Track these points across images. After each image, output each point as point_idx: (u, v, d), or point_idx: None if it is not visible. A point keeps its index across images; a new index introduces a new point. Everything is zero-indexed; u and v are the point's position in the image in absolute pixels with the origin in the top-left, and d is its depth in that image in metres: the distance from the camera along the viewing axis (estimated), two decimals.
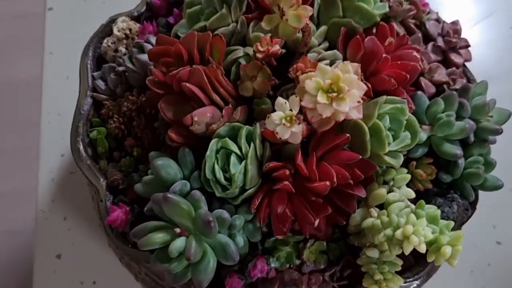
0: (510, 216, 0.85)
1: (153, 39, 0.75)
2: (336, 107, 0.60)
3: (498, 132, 0.71)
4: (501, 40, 1.12)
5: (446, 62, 0.78)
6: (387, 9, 0.72)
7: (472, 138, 0.72)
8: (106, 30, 0.80)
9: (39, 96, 0.99)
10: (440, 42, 0.77)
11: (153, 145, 0.73)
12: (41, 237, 0.90)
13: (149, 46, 0.74)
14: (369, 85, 0.65)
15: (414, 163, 0.71)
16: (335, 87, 0.60)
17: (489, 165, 0.72)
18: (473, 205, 0.74)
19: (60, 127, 0.96)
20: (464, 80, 0.77)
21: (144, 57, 0.73)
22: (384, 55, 0.67)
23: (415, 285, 0.72)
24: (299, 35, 0.67)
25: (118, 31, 0.78)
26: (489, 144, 0.73)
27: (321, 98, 0.60)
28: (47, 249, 0.90)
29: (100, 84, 0.77)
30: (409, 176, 0.69)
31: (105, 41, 0.79)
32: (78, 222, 0.91)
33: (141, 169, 0.72)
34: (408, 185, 0.70)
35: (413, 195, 0.69)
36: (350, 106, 0.60)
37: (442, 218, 0.67)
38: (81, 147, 0.74)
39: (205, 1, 0.72)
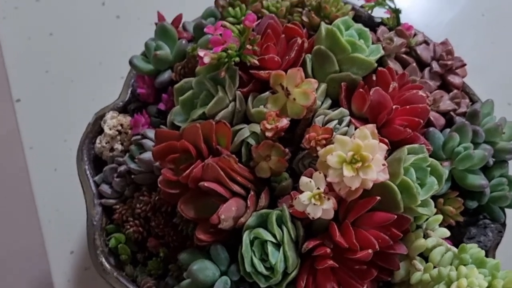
0: None
1: (150, 133, 0.72)
2: (363, 176, 0.58)
3: None
4: None
5: (445, 85, 0.77)
6: (382, 52, 0.70)
7: (491, 162, 0.71)
8: (95, 128, 0.77)
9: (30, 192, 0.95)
10: (436, 67, 0.76)
11: (178, 241, 0.71)
12: None
13: (148, 142, 0.72)
14: (386, 141, 0.64)
15: (442, 200, 0.70)
16: (358, 157, 0.59)
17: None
18: (504, 224, 0.74)
19: (62, 224, 0.93)
20: (467, 100, 0.76)
21: (147, 155, 0.70)
22: (394, 107, 0.65)
23: None
24: None
25: (110, 129, 0.75)
26: (508, 162, 0.73)
27: (347, 172, 0.58)
28: None
29: (105, 188, 0.74)
30: (441, 217, 0.68)
31: (97, 141, 0.76)
32: None
33: (172, 268, 0.70)
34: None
35: (448, 233, 0.69)
36: (377, 171, 0.59)
37: (480, 247, 0.67)
38: (103, 259, 0.71)
39: (196, 85, 0.69)
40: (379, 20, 0.81)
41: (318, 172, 0.61)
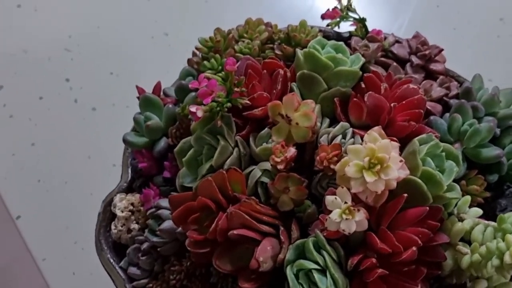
0: None
1: (163, 202, 0.72)
2: (385, 177, 0.58)
3: None
4: None
5: (429, 74, 0.78)
6: (363, 59, 0.71)
7: (498, 132, 0.72)
8: (106, 216, 0.76)
9: None
10: (416, 60, 0.77)
11: None
12: None
13: (164, 212, 0.71)
14: (395, 139, 0.64)
15: (464, 182, 0.70)
16: (375, 160, 0.59)
17: None
18: None
19: None
20: (454, 82, 0.77)
21: (167, 224, 0.69)
22: (392, 104, 0.66)
23: None
24: None
25: (122, 211, 0.74)
26: None
27: (369, 177, 0.58)
28: None
29: (134, 271, 0.72)
30: (469, 198, 0.68)
31: (112, 227, 0.75)
32: None
33: None
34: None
35: (480, 212, 0.68)
36: (396, 169, 0.59)
37: None
38: None
39: (195, 142, 0.69)
40: (347, 35, 0.83)
41: (341, 187, 0.60)
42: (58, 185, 1.03)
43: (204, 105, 0.66)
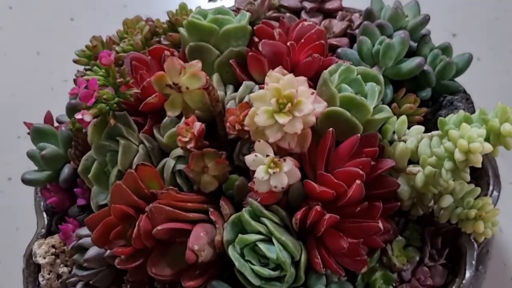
0: None
1: (83, 231, 0.63)
2: (300, 114, 0.51)
3: (426, 19, 0.67)
4: None
5: (328, 15, 0.73)
6: (248, 14, 0.65)
7: (413, 44, 0.66)
8: (31, 269, 0.67)
9: None
10: (309, 5, 0.72)
11: None
12: None
13: (86, 240, 0.62)
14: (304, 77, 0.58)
15: (395, 104, 0.64)
16: (284, 99, 0.52)
17: (446, 49, 0.67)
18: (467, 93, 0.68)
19: None
20: (356, 14, 0.72)
21: (92, 252, 0.61)
22: (289, 43, 0.60)
23: (496, 194, 0.65)
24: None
25: (44, 258, 0.65)
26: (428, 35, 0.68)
27: (282, 119, 0.51)
28: None
29: None
30: (405, 118, 0.62)
31: (40, 279, 0.66)
32: None
33: None
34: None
35: (422, 128, 0.62)
36: (310, 102, 0.52)
37: None
38: None
39: (96, 153, 0.62)
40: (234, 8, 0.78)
41: (258, 141, 0.53)
42: None
43: (91, 108, 0.59)
